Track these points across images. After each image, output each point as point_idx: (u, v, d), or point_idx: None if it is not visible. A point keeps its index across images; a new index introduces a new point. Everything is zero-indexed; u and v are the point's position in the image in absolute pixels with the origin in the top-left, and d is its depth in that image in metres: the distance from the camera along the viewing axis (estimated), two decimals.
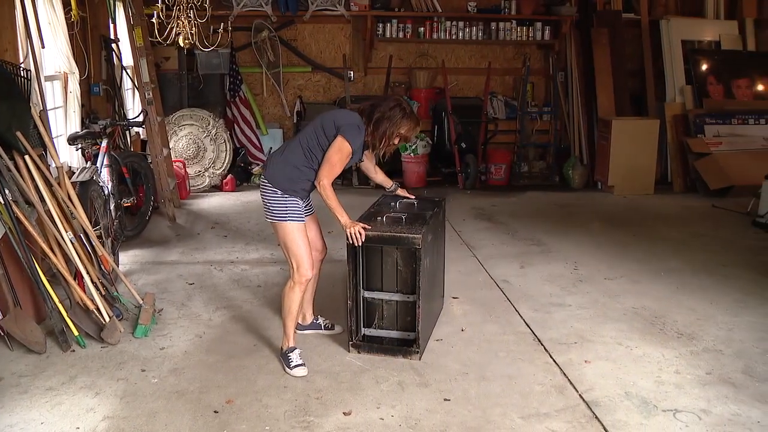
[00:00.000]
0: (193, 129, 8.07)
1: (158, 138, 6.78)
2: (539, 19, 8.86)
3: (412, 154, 8.41)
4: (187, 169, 7.87)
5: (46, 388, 3.39)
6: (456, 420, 3.13)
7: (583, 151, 8.67)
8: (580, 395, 3.36)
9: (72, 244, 4.10)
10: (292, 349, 3.66)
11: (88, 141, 5.29)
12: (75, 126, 5.70)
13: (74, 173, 5.06)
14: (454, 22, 8.81)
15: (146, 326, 4.03)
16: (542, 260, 5.52)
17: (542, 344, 3.95)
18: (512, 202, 7.72)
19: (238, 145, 8.60)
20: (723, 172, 7.76)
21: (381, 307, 3.88)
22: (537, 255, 5.67)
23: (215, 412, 3.19)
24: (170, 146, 7.62)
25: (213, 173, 8.18)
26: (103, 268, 4.40)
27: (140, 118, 6.42)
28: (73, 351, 3.79)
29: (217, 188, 8.23)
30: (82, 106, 5.91)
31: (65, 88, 5.70)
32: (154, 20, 6.16)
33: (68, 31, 5.58)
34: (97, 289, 4.13)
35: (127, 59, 7.17)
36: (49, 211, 4.08)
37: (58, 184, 4.30)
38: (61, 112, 5.74)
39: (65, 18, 5.52)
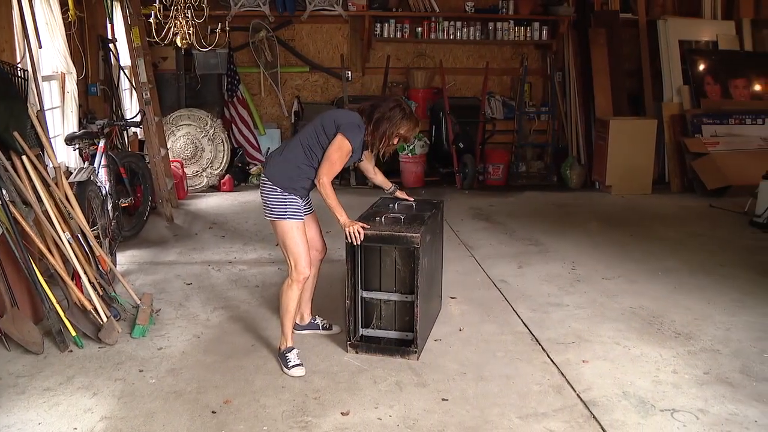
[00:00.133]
0: (191, 129, 8.06)
1: (156, 138, 6.78)
2: (537, 19, 8.86)
3: (410, 154, 8.41)
4: (184, 169, 7.86)
5: (43, 388, 3.39)
6: (454, 420, 3.13)
7: (580, 151, 8.68)
8: (577, 395, 3.36)
9: (69, 244, 4.10)
10: (290, 349, 3.66)
11: (85, 141, 5.29)
12: (72, 126, 5.69)
13: (72, 173, 5.05)
14: (452, 22, 8.81)
15: (144, 326, 4.03)
16: (540, 260, 5.52)
17: (540, 344, 3.95)
18: (510, 202, 7.73)
19: (235, 146, 8.59)
20: (720, 172, 7.77)
21: (379, 307, 3.88)
22: (535, 255, 5.67)
23: (213, 412, 3.19)
24: (168, 146, 7.62)
25: (211, 173, 8.17)
26: (100, 268, 4.40)
27: (138, 118, 6.41)
28: (71, 351, 3.79)
29: (214, 188, 8.22)
30: (80, 106, 5.90)
31: (62, 88, 5.70)
32: (151, 20, 6.14)
33: (65, 31, 5.57)
34: (95, 289, 4.12)
35: (125, 59, 7.17)
36: (46, 211, 4.07)
37: (56, 184, 4.29)
38: (59, 113, 5.73)
39: (62, 18, 5.51)
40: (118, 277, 4.53)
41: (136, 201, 6.21)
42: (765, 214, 6.43)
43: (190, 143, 8.02)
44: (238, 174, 8.45)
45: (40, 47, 5.20)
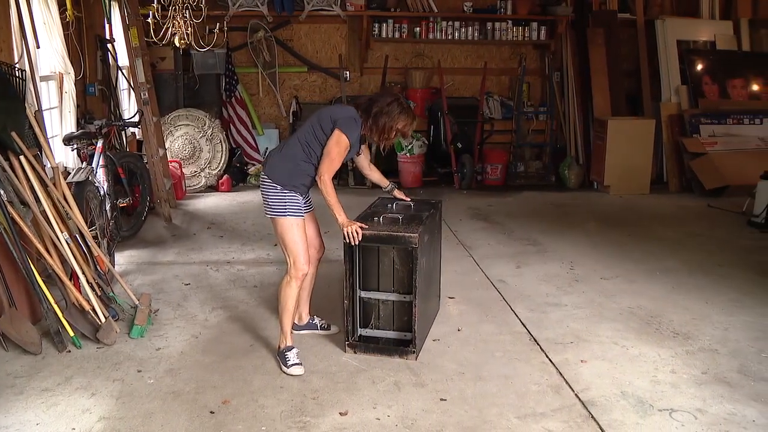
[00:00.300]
0: (189, 129, 8.06)
1: (154, 138, 6.77)
2: (535, 19, 8.87)
3: (408, 154, 8.41)
4: (183, 169, 7.85)
5: (41, 388, 3.38)
6: (452, 420, 3.13)
7: (579, 151, 8.69)
8: (576, 395, 3.36)
9: (67, 244, 4.09)
10: (290, 348, 3.67)
11: (83, 141, 5.28)
12: (70, 126, 5.69)
13: (70, 173, 5.05)
14: (450, 22, 8.82)
15: (142, 327, 4.03)
16: (538, 260, 5.52)
17: (538, 344, 3.95)
18: (508, 202, 7.73)
19: (234, 146, 8.59)
20: (718, 172, 7.78)
21: (377, 307, 3.88)
22: (533, 255, 5.67)
23: (211, 412, 3.19)
24: (166, 146, 7.61)
25: (209, 173, 8.17)
26: (98, 268, 4.39)
27: (136, 119, 6.40)
28: (69, 352, 3.78)
29: (213, 188, 8.22)
30: (78, 106, 5.90)
31: (60, 88, 5.69)
32: (149, 20, 6.13)
33: (63, 31, 5.57)
34: (93, 289, 4.12)
35: (123, 59, 7.16)
36: (44, 211, 4.07)
37: (54, 184, 4.29)
38: (57, 113, 5.73)
39: (60, 18, 5.50)
40: (116, 277, 4.53)
41: (135, 201, 6.21)
42: (763, 213, 6.43)
43: (188, 143, 8.02)
44: (236, 174, 8.45)
45: (38, 47, 5.19)
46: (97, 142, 5.33)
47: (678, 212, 7.27)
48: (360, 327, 3.89)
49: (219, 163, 8.19)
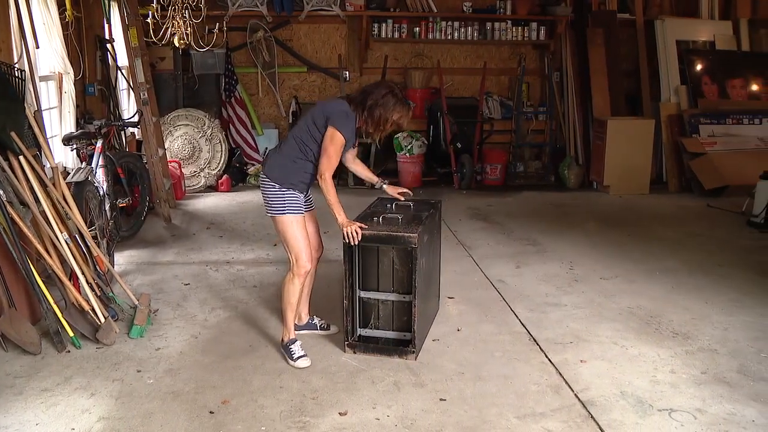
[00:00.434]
0: (189, 129, 8.05)
1: (153, 138, 6.77)
2: (534, 19, 8.87)
3: (407, 154, 8.42)
4: (182, 169, 7.85)
5: (41, 389, 3.38)
6: (452, 420, 3.13)
7: (578, 151, 8.69)
8: (575, 395, 3.36)
9: (67, 244, 4.09)
10: (293, 341, 3.72)
11: (83, 141, 5.27)
12: (70, 126, 5.69)
13: (69, 174, 5.05)
14: (450, 22, 8.82)
15: (142, 327, 4.03)
16: (538, 260, 5.52)
17: (538, 344, 3.96)
18: (508, 202, 7.73)
19: (233, 146, 8.59)
20: (718, 172, 7.78)
21: (377, 307, 3.88)
22: (532, 255, 5.67)
23: (211, 412, 3.19)
24: (165, 146, 7.61)
25: (208, 173, 8.16)
26: (98, 268, 4.39)
27: (135, 119, 6.40)
28: (69, 352, 3.78)
29: (212, 188, 8.22)
30: (77, 106, 5.90)
31: (60, 88, 5.69)
32: (149, 20, 6.14)
33: (63, 31, 5.57)
34: (93, 289, 4.11)
35: (122, 59, 7.16)
36: (44, 211, 4.06)
37: (53, 184, 4.29)
38: (56, 113, 5.73)
39: (60, 18, 5.51)
40: (115, 277, 4.53)
41: (134, 201, 6.20)
42: (762, 213, 6.44)
43: (187, 143, 8.02)
44: (235, 174, 8.45)
45: (38, 47, 5.19)
46: (96, 142, 5.33)
47: (677, 212, 7.27)
48: (359, 327, 3.89)
49: (218, 163, 8.19)
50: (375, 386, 3.44)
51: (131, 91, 7.37)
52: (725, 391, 3.38)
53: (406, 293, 3.76)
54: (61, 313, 3.85)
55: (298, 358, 3.66)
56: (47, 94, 5.62)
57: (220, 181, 8.18)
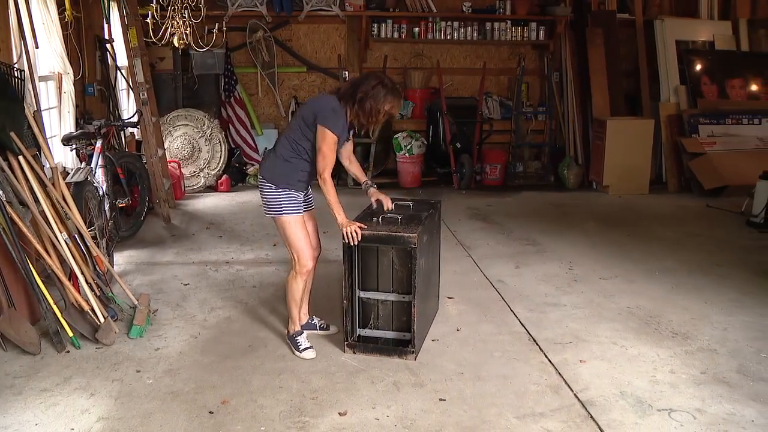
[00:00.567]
0: (188, 129, 8.05)
1: (153, 138, 6.77)
2: (534, 20, 8.87)
3: (407, 155, 8.42)
4: (182, 169, 7.85)
5: (40, 389, 3.38)
6: (451, 420, 3.13)
7: (578, 151, 8.68)
8: (575, 395, 3.37)
9: (66, 244, 4.09)
10: (300, 333, 3.79)
11: (82, 141, 5.28)
12: (69, 126, 5.69)
13: (69, 174, 5.05)
14: (449, 23, 8.82)
15: (141, 327, 4.03)
16: (537, 260, 5.53)
17: (537, 344, 3.96)
18: (507, 202, 7.73)
19: (233, 146, 8.58)
20: (717, 172, 7.78)
21: (376, 308, 3.88)
22: (532, 255, 5.67)
23: (210, 412, 3.19)
24: (165, 147, 7.61)
25: (208, 174, 8.16)
26: (97, 268, 4.39)
27: (135, 119, 6.41)
28: (68, 352, 3.78)
29: (212, 189, 8.21)
30: (77, 106, 5.90)
31: (59, 88, 5.69)
32: (148, 20, 6.14)
33: (62, 31, 5.57)
34: (92, 289, 4.12)
35: (122, 59, 7.16)
36: (43, 211, 4.06)
37: (53, 184, 4.29)
38: (56, 113, 5.73)
39: (59, 18, 5.51)
40: (115, 277, 4.53)
41: (134, 201, 6.20)
42: (761, 213, 6.44)
43: (187, 143, 8.01)
44: (235, 174, 8.45)
45: (37, 47, 5.19)
46: (96, 143, 5.33)
47: (677, 212, 7.27)
48: (359, 327, 3.89)
49: (218, 163, 8.18)
50: (374, 386, 3.44)
51: (131, 91, 7.37)
52: (725, 391, 3.38)
53: (405, 293, 3.76)
54: (61, 313, 3.85)
55: (305, 349, 3.74)
56: (47, 94, 5.62)
57: (219, 181, 8.18)
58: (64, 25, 5.66)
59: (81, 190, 4.73)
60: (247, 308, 4.52)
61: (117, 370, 3.59)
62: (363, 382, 3.48)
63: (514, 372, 3.61)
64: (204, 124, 8.08)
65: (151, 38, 6.23)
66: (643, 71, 8.79)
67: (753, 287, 4.87)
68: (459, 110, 8.56)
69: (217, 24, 7.41)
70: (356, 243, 3.60)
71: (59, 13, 5.52)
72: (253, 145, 8.66)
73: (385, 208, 3.91)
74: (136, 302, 4.31)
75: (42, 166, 4.38)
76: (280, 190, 3.63)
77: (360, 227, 3.60)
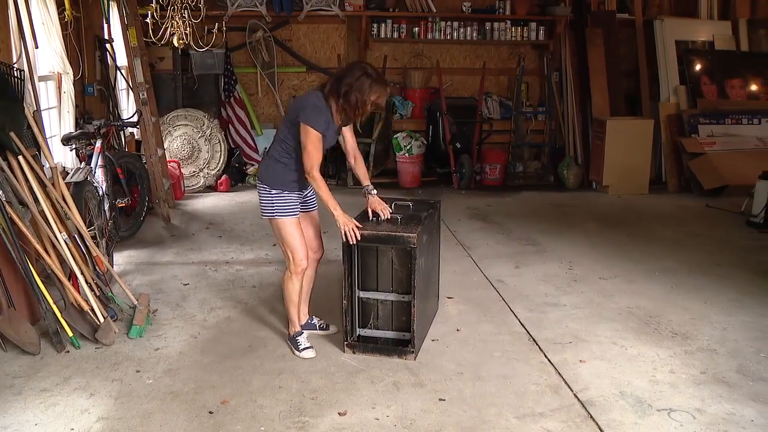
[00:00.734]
0: (188, 129, 8.05)
1: (153, 138, 6.76)
2: (534, 20, 8.87)
3: (407, 154, 8.42)
4: (181, 169, 7.85)
5: (40, 389, 3.38)
6: (451, 420, 3.13)
7: (577, 151, 8.68)
8: (575, 395, 3.37)
9: (66, 244, 4.09)
10: (300, 333, 3.81)
11: (82, 141, 5.27)
12: (69, 126, 5.68)
13: (68, 174, 5.04)
14: (449, 23, 8.82)
15: (141, 327, 4.03)
16: (537, 260, 5.53)
17: (537, 344, 3.96)
18: (507, 202, 7.73)
19: (232, 146, 8.58)
20: (717, 172, 7.78)
21: (376, 307, 3.88)
22: (532, 255, 5.67)
23: (210, 412, 3.19)
24: (165, 146, 7.61)
25: (208, 173, 8.16)
26: (97, 268, 4.39)
27: (135, 119, 6.40)
28: (68, 352, 3.78)
29: (211, 188, 8.21)
30: (76, 106, 5.89)
31: (59, 88, 5.68)
32: (148, 20, 6.13)
33: (62, 31, 5.56)
34: (92, 289, 4.11)
35: (122, 59, 7.16)
36: (43, 211, 4.06)
37: (52, 184, 4.29)
38: (55, 113, 5.72)
39: (59, 18, 5.50)
40: (115, 277, 4.53)
41: (133, 201, 6.20)
42: (761, 213, 6.44)
43: (187, 143, 8.01)
44: (235, 174, 8.45)
45: (37, 47, 5.19)
46: (95, 143, 5.33)
47: (677, 212, 7.27)
48: (359, 327, 3.89)
49: (218, 163, 8.18)
50: (374, 386, 3.44)
51: (130, 91, 7.37)
52: (724, 391, 3.38)
53: (405, 293, 3.76)
54: (61, 313, 3.85)
55: (304, 349, 3.75)
56: (46, 94, 5.61)
57: (219, 181, 8.18)
58: (63, 25, 5.66)
59: (81, 190, 4.73)
60: (246, 308, 4.51)
61: (117, 370, 3.59)
62: (363, 382, 3.48)
63: (514, 372, 3.61)
64: (204, 124, 8.08)
65: (150, 38, 6.21)
66: (642, 71, 8.79)
67: (753, 287, 4.87)
68: (459, 110, 8.56)
69: (216, 24, 7.40)
70: (355, 242, 3.59)
71: (59, 13, 5.52)
72: (253, 145, 8.66)
73: (381, 217, 3.83)
74: (135, 302, 4.31)
75: (42, 166, 4.38)
76: (274, 191, 3.64)
77: (357, 226, 3.60)
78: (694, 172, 7.96)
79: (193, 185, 8.10)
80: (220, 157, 8.18)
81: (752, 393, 3.37)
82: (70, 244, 4.15)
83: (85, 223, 4.47)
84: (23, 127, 4.29)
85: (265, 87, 9.04)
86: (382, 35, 8.77)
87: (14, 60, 4.76)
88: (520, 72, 8.92)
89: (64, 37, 5.66)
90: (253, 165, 8.53)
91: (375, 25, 8.73)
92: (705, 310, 4.46)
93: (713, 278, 5.06)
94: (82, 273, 4.12)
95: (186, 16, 6.18)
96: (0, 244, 3.83)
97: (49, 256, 4.02)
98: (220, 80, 8.62)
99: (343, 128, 3.80)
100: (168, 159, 7.59)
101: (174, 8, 6.07)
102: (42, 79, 5.44)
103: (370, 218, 3.81)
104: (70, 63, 5.69)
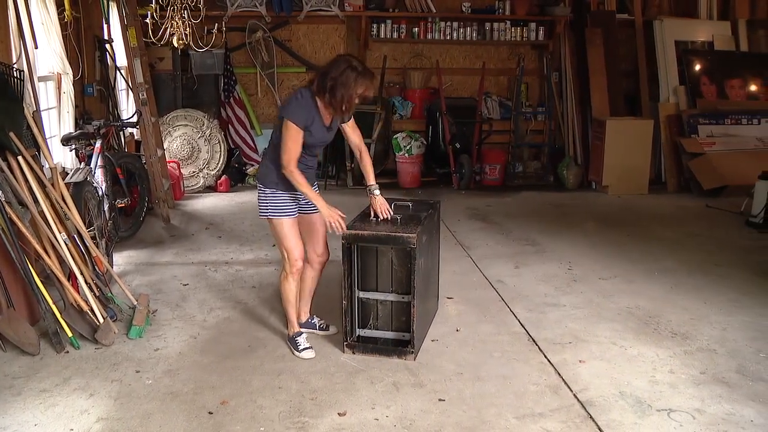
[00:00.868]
0: (188, 130, 8.05)
1: (152, 139, 6.77)
2: (533, 20, 8.87)
3: (406, 155, 8.42)
4: (181, 169, 7.85)
5: (39, 389, 3.38)
6: (451, 420, 3.13)
7: (577, 151, 8.69)
8: (574, 395, 3.37)
9: (66, 245, 4.09)
10: (299, 334, 3.82)
11: (81, 142, 5.27)
12: (69, 127, 5.68)
13: (68, 174, 5.04)
14: (449, 23, 8.82)
15: (140, 327, 4.03)
16: (537, 260, 5.53)
17: (537, 344, 3.96)
18: (507, 203, 7.73)
19: (232, 146, 8.59)
20: (716, 172, 7.78)
21: (376, 308, 3.88)
22: (531, 255, 5.67)
23: (210, 413, 3.19)
24: (164, 147, 7.61)
25: (207, 174, 8.16)
26: (97, 269, 4.39)
27: (134, 119, 6.40)
28: (67, 352, 3.78)
29: (211, 189, 8.21)
30: (76, 106, 5.89)
31: (59, 88, 5.68)
32: (148, 21, 6.15)
33: (62, 31, 5.56)
34: (91, 290, 4.11)
35: (121, 60, 7.15)
36: (42, 212, 4.06)
37: (52, 185, 4.29)
38: (55, 113, 5.72)
39: (59, 18, 5.50)
40: (114, 277, 4.53)
41: (133, 202, 6.20)
42: (761, 213, 6.44)
43: (186, 144, 8.01)
44: (234, 174, 8.45)
45: (36, 48, 5.19)
46: (95, 143, 5.33)
47: (676, 212, 7.27)
48: (358, 327, 3.89)
49: (217, 164, 8.18)
50: (374, 387, 3.44)
51: (130, 91, 7.37)
52: (724, 391, 3.39)
53: (404, 293, 3.76)
54: (60, 313, 3.84)
55: (303, 349, 3.76)
56: (46, 94, 5.62)
57: (218, 182, 8.18)
58: (63, 26, 5.66)
59: (80, 190, 4.73)
60: (246, 308, 4.51)
61: (116, 371, 3.59)
62: (362, 383, 3.48)
63: (514, 372, 3.61)
64: (203, 125, 8.09)
65: (150, 38, 6.23)
66: (642, 71, 8.79)
67: (752, 287, 4.87)
68: (458, 110, 8.56)
69: (216, 24, 7.41)
70: (341, 232, 3.60)
71: (58, 14, 5.52)
72: (253, 146, 8.67)
73: (380, 218, 3.83)
74: (135, 302, 4.31)
75: (41, 167, 4.38)
76: (267, 191, 3.67)
77: (342, 216, 3.60)
78: (693, 172, 7.96)
79: (192, 185, 8.10)
80: (220, 157, 8.18)
81: (752, 393, 3.37)
82: (70, 245, 4.15)
83: (84, 224, 4.47)
84: (23, 128, 4.29)
85: (265, 87, 9.04)
86: (382, 35, 8.77)
87: (14, 60, 4.76)
88: (519, 72, 8.93)
89: (64, 37, 5.66)
90: (252, 165, 8.53)
91: (375, 26, 8.73)
92: (704, 310, 4.47)
93: (713, 278, 5.06)
94: (82, 273, 4.12)
95: (186, 16, 6.19)
96: (0, 244, 3.83)
97: (49, 256, 4.02)
98: (220, 80, 8.62)
99: (344, 125, 3.79)
100: (168, 159, 7.59)
101: (174, 8, 6.08)
102: (42, 79, 5.44)
103: (371, 217, 3.82)
104: (69, 63, 5.69)
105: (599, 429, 3.07)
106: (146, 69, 7.06)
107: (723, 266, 5.35)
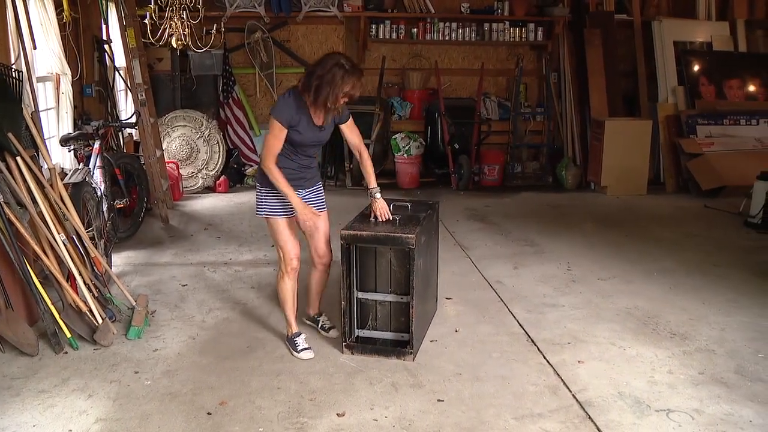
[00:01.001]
0: (186, 130, 8.05)
1: (151, 139, 6.76)
2: (532, 20, 8.87)
3: (405, 155, 8.42)
4: (180, 170, 7.84)
5: (38, 390, 3.38)
6: (450, 421, 3.13)
7: (576, 152, 8.69)
8: (573, 395, 3.37)
9: (64, 245, 4.09)
10: (298, 334, 3.83)
11: (80, 142, 5.27)
12: (67, 127, 5.68)
13: (67, 175, 5.04)
14: (447, 23, 8.82)
15: (139, 328, 4.02)
16: (535, 261, 5.53)
17: (536, 345, 3.96)
18: (505, 203, 7.73)
19: (231, 146, 8.58)
20: (715, 173, 7.79)
21: (375, 308, 3.88)
22: (530, 255, 5.68)
23: (208, 413, 3.19)
24: (163, 147, 7.60)
25: (206, 174, 8.16)
26: (95, 269, 4.39)
27: (133, 120, 6.40)
28: (66, 353, 3.78)
29: (210, 189, 8.21)
30: (75, 107, 5.89)
31: (57, 89, 5.68)
32: (146, 21, 6.14)
33: (60, 32, 5.56)
34: (90, 290, 4.11)
35: (120, 60, 7.15)
36: (41, 212, 4.06)
37: (51, 185, 4.28)
38: (54, 114, 5.72)
39: (57, 19, 5.50)
40: (113, 278, 4.52)
41: (132, 202, 6.20)
42: (759, 214, 6.45)
43: (185, 144, 8.01)
44: (233, 175, 8.44)
45: (35, 48, 5.18)
46: (94, 143, 5.32)
47: (675, 213, 7.28)
48: (357, 328, 3.89)
49: (216, 164, 8.18)
50: (373, 387, 3.44)
51: (129, 92, 7.36)
52: (723, 392, 3.39)
53: (403, 294, 3.76)
54: (59, 314, 3.84)
55: (302, 350, 3.76)
56: (44, 95, 5.61)
57: (217, 182, 8.18)
58: (62, 26, 5.66)
59: (79, 191, 4.72)
60: (245, 309, 4.51)
61: (115, 372, 3.59)
62: (361, 383, 3.48)
63: (513, 373, 3.61)
64: (202, 125, 8.09)
65: (149, 39, 6.22)
66: (641, 72, 8.80)
67: (751, 288, 4.87)
68: (457, 111, 8.56)
69: (215, 25, 7.40)
70: (313, 223, 3.66)
71: (57, 14, 5.52)
72: (251, 146, 8.66)
73: (379, 219, 3.83)
74: (134, 303, 4.31)
75: (40, 167, 4.38)
76: (263, 190, 3.70)
77: (314, 213, 3.66)
78: (692, 172, 7.97)
79: (191, 186, 8.10)
80: (219, 157, 8.18)
81: (750, 393, 3.38)
82: (69, 245, 4.15)
83: (83, 224, 4.47)
84: (21, 128, 4.29)
85: (264, 88, 9.04)
86: (381, 36, 8.77)
87: (12, 61, 4.76)
88: (518, 73, 8.93)
89: (63, 37, 5.66)
90: (251, 166, 8.53)
91: (373, 26, 8.73)
92: (703, 310, 4.47)
93: (711, 279, 5.06)
94: (81, 274, 4.12)
95: (184, 16, 6.19)
96: None
97: (48, 257, 4.02)
98: (219, 81, 8.61)
99: (342, 126, 3.79)
100: (166, 160, 7.59)
101: (172, 9, 6.08)
102: (40, 79, 5.44)
103: (371, 219, 3.82)
104: (68, 64, 5.69)
105: (598, 429, 3.07)
106: (145, 69, 7.06)
107: (721, 267, 5.35)
